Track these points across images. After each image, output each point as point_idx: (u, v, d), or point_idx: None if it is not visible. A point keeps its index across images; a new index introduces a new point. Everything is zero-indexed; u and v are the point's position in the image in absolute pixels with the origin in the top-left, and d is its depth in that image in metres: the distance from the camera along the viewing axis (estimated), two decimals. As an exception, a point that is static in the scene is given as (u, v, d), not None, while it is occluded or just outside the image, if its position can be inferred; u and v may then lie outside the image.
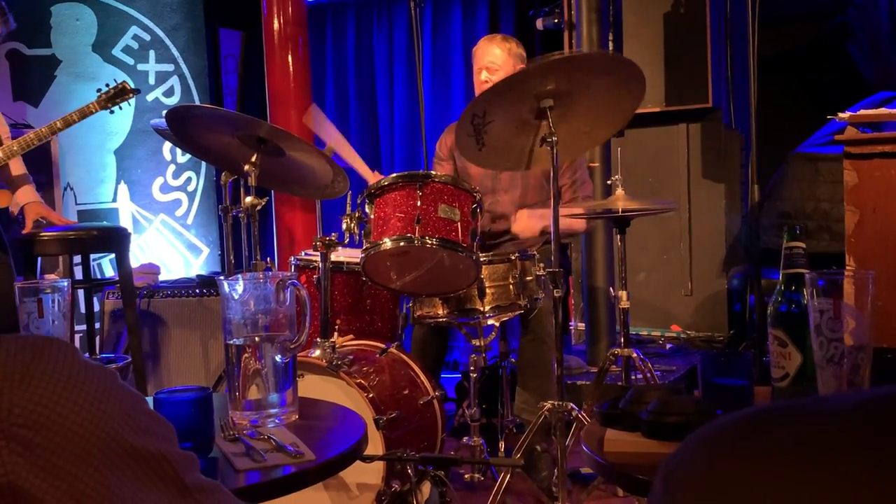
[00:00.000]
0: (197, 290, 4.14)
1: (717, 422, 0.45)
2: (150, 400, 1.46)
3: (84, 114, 3.58)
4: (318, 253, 2.61)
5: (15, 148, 3.52)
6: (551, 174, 2.48)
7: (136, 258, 4.91)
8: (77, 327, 4.05)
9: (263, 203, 2.61)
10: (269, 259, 2.81)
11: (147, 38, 5.00)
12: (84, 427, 0.59)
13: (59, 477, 0.57)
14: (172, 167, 5.13)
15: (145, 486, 0.61)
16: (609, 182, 2.95)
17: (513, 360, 3.24)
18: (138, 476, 0.61)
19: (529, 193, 3.36)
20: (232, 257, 3.24)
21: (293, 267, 2.98)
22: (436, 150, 3.58)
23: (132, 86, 3.70)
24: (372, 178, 3.19)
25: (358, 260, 2.65)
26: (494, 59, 3.30)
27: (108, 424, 0.60)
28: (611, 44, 4.46)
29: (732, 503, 0.40)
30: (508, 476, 2.63)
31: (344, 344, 2.74)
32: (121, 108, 3.71)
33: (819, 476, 0.39)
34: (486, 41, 3.39)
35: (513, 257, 2.76)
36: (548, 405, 2.53)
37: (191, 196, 5.20)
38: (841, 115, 2.78)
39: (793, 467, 0.40)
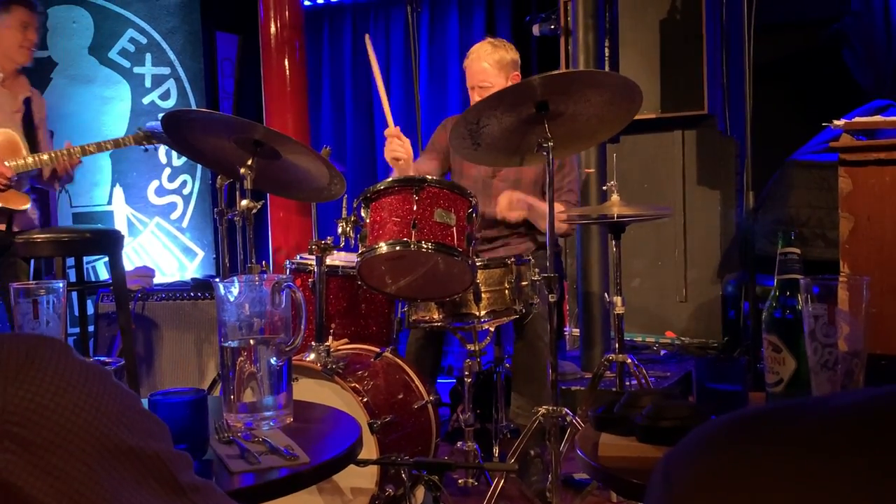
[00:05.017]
0: (191, 294, 4.13)
1: (717, 419, 0.46)
2: (144, 402, 1.45)
3: (118, 144, 3.71)
4: (314, 257, 2.61)
5: (45, 158, 3.61)
6: (546, 178, 2.49)
7: (131, 261, 4.90)
8: (70, 330, 4.04)
9: (259, 206, 2.60)
10: (264, 263, 2.81)
11: (143, 41, 5.00)
12: (78, 425, 0.59)
13: (52, 475, 0.57)
14: (168, 170, 5.12)
15: (139, 485, 0.61)
16: (605, 188, 2.94)
17: (507, 365, 3.24)
18: (132, 475, 0.61)
19: None
20: (227, 261, 3.23)
21: (288, 271, 2.98)
22: (432, 139, 3.44)
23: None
24: (391, 124, 3.09)
25: (353, 264, 2.64)
26: (485, 77, 3.20)
27: (102, 423, 0.60)
28: (607, 50, 4.46)
29: (733, 499, 0.41)
30: (502, 481, 2.63)
31: (339, 348, 2.74)
32: (156, 148, 3.83)
33: (819, 473, 0.39)
34: (474, 57, 3.26)
35: (508, 262, 2.76)
36: (542, 410, 2.53)
37: (186, 199, 5.19)
38: (836, 122, 2.78)
39: (793, 464, 0.40)
